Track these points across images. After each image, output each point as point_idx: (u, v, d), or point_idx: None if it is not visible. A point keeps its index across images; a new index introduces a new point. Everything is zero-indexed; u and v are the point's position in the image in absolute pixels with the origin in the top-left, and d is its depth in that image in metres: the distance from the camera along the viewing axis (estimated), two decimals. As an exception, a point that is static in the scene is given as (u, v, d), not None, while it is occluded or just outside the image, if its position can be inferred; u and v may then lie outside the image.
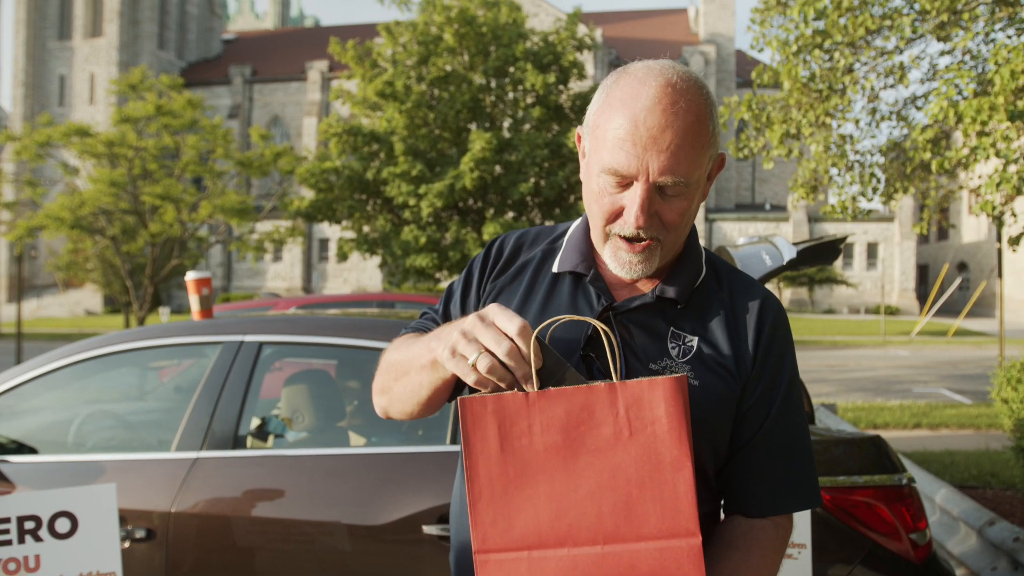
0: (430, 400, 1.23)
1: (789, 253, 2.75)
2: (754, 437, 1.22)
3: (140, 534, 2.56)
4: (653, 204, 1.14)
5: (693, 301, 1.25)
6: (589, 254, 1.27)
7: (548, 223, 16.35)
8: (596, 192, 1.18)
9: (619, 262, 1.19)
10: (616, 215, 1.17)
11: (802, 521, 2.30)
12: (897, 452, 2.74)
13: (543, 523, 1.02)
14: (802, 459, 1.24)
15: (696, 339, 1.21)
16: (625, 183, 1.14)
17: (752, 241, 3.09)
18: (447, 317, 1.36)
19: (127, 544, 2.56)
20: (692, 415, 1.15)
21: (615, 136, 1.13)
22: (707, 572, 1.15)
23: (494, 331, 1.04)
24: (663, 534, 1.00)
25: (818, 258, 3.02)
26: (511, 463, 1.03)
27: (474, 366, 1.04)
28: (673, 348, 1.20)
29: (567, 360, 1.15)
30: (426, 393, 1.21)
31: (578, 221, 1.35)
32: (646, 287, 1.25)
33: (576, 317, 1.10)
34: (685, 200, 1.16)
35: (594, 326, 1.19)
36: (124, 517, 2.58)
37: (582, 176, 1.26)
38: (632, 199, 1.14)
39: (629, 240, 1.17)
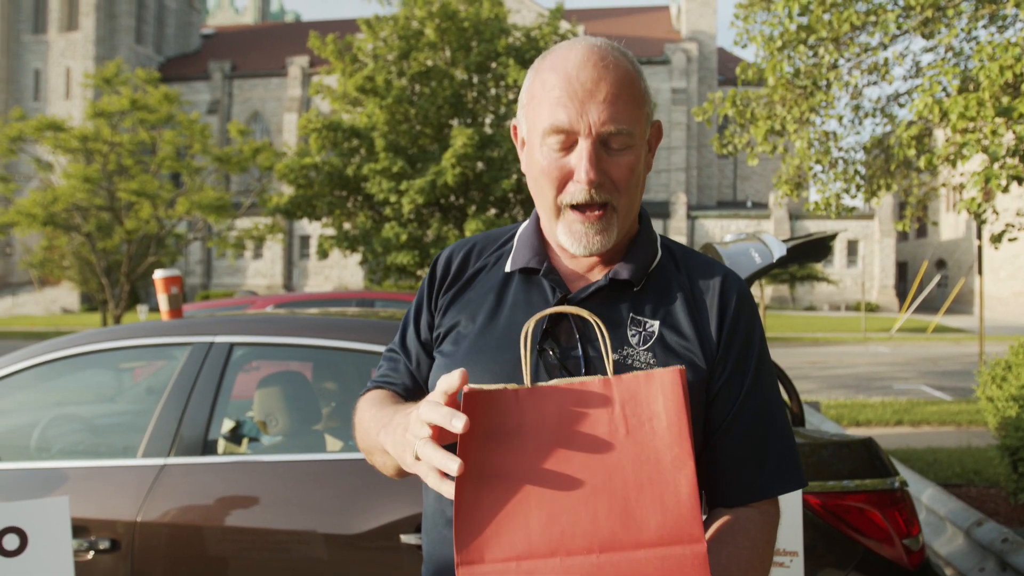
0: (404, 473, 1.19)
1: (779, 250, 2.67)
2: (726, 420, 1.17)
3: (104, 545, 2.45)
4: (601, 159, 1.13)
5: (651, 285, 1.21)
6: (541, 249, 1.24)
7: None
8: (542, 165, 1.16)
9: (575, 237, 1.16)
10: (566, 180, 1.14)
11: (793, 528, 2.22)
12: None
13: (533, 530, 0.93)
14: (780, 438, 1.19)
15: (657, 323, 1.18)
16: (569, 143, 1.13)
17: (740, 238, 3.01)
18: (407, 352, 1.32)
19: (91, 555, 2.45)
20: None
21: (551, 97, 1.13)
22: None
23: (416, 425, 0.98)
24: (664, 540, 0.92)
25: (808, 255, 2.95)
26: (498, 464, 0.95)
27: (416, 458, 0.98)
28: (633, 335, 1.16)
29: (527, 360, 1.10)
30: (393, 472, 1.23)
31: (527, 220, 1.31)
32: (600, 275, 1.21)
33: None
34: (632, 154, 1.15)
35: (548, 320, 1.15)
36: (87, 527, 2.46)
37: (525, 167, 1.23)
38: (579, 155, 1.12)
39: (582, 209, 1.15)
